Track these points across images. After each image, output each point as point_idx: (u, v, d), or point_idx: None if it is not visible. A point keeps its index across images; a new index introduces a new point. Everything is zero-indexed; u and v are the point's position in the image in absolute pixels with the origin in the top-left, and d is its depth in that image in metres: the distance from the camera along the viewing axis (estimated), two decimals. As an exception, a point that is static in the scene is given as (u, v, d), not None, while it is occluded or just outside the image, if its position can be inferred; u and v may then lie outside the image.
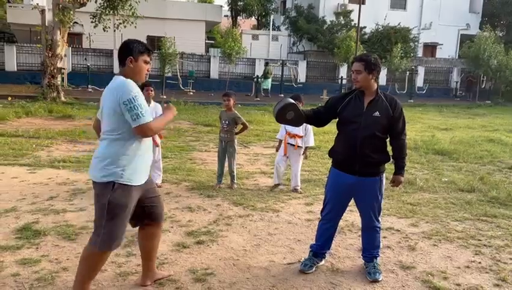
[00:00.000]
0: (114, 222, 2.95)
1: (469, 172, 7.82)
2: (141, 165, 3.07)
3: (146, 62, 3.08)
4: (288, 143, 6.22)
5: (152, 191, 3.26)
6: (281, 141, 6.38)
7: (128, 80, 2.96)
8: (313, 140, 6.42)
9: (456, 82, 29.12)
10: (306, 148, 6.29)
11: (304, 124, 5.92)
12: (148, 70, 3.12)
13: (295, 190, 6.18)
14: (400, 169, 3.69)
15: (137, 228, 3.35)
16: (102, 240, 2.96)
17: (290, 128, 6.12)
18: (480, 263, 4.06)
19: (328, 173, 3.84)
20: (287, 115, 3.53)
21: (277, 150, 6.46)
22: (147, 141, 3.12)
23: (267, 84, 23.39)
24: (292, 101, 3.54)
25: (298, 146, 6.16)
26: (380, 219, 3.74)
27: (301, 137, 6.18)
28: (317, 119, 3.74)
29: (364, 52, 23.43)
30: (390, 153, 3.68)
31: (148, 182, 3.20)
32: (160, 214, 3.33)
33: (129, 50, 3.01)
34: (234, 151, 6.34)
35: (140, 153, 3.04)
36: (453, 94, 28.70)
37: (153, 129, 2.97)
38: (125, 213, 3.00)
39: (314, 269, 3.77)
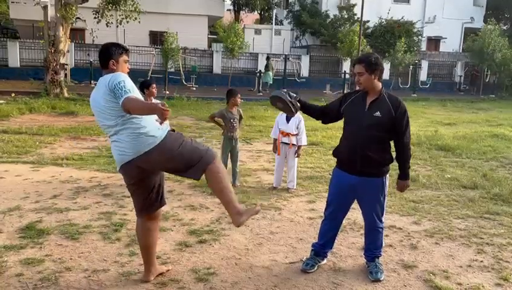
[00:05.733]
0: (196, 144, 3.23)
1: (472, 168, 7.80)
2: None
3: (126, 61, 3.30)
4: (282, 142, 6.13)
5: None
6: (275, 140, 6.27)
7: (117, 72, 3.14)
8: (306, 139, 6.30)
9: (460, 76, 28.94)
10: (299, 147, 6.16)
11: (297, 121, 6.01)
12: (128, 68, 3.32)
13: (288, 189, 6.12)
14: (403, 174, 3.63)
15: (135, 226, 3.44)
16: (208, 155, 3.16)
17: (283, 126, 6.07)
18: (482, 261, 4.06)
19: (332, 173, 3.85)
20: (277, 104, 3.76)
21: (274, 151, 6.37)
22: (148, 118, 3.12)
23: (268, 78, 23.27)
24: (282, 94, 3.65)
25: (293, 144, 6.08)
26: (383, 219, 3.74)
27: (294, 135, 6.08)
28: (322, 115, 3.86)
29: (367, 46, 23.38)
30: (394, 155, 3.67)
31: None
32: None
33: (110, 53, 3.20)
34: (238, 148, 6.43)
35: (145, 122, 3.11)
36: (456, 88, 28.54)
37: (130, 102, 2.93)
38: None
39: (316, 268, 3.78)
